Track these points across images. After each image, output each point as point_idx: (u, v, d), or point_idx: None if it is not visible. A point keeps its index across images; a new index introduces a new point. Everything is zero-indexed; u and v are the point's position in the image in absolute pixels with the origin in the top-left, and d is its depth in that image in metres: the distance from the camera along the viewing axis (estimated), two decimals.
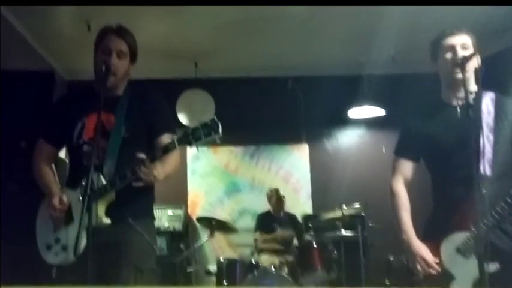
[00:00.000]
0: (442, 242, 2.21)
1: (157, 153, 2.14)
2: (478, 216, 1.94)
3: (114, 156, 2.26)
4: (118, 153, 2.27)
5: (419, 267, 2.21)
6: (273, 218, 5.25)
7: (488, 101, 2.27)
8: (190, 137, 2.04)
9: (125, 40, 2.36)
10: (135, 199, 2.26)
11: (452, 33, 2.30)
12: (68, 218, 2.25)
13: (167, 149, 2.12)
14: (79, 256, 2.03)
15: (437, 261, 2.20)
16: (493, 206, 2.06)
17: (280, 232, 5.02)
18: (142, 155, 2.10)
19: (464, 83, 2.12)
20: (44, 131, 2.47)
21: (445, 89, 2.37)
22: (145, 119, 2.38)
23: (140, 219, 2.32)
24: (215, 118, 2.04)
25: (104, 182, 2.20)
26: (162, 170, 2.20)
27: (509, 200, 2.06)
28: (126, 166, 2.16)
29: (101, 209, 2.19)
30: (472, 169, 1.97)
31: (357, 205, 4.65)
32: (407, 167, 2.42)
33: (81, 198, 2.02)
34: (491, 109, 2.25)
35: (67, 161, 2.53)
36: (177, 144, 2.09)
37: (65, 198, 2.23)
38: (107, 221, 2.21)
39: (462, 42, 2.27)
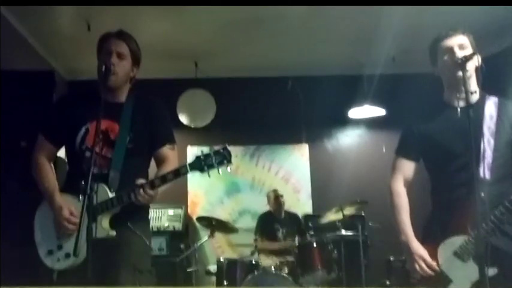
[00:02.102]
0: (440, 245, 2.20)
1: (169, 176, 2.17)
2: (477, 219, 1.93)
3: (118, 167, 2.28)
4: (123, 163, 2.29)
5: (417, 269, 2.21)
6: (274, 219, 5.24)
7: (491, 106, 2.26)
8: (203, 163, 2.11)
9: (125, 42, 2.37)
10: (133, 204, 2.25)
11: (448, 35, 2.29)
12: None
13: (179, 173, 2.17)
14: (80, 259, 2.05)
15: (435, 263, 2.19)
16: (492, 210, 2.05)
17: (282, 242, 5.00)
18: (142, 180, 2.16)
19: (464, 82, 2.11)
20: (45, 129, 2.44)
21: (446, 91, 2.36)
22: (148, 129, 2.40)
23: (138, 223, 2.35)
24: (227, 147, 2.13)
25: (109, 193, 2.21)
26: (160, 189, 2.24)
27: (508, 205, 2.06)
28: (130, 178, 2.19)
29: (105, 221, 2.21)
30: (472, 172, 1.96)
31: (357, 202, 4.65)
32: (407, 167, 2.40)
33: (84, 206, 2.01)
34: (494, 114, 2.24)
35: (66, 160, 2.51)
36: (189, 170, 2.14)
37: (74, 210, 2.22)
38: (112, 233, 2.22)
39: (459, 43, 2.26)
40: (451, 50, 2.25)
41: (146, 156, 2.46)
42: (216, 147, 2.14)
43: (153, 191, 2.17)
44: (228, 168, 2.12)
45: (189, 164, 2.14)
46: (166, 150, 2.41)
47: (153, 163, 2.49)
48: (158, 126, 2.44)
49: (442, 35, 2.31)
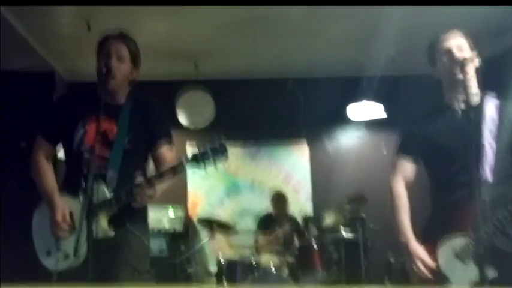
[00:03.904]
0: (440, 246, 2.19)
1: (166, 174, 2.16)
2: (478, 221, 1.93)
3: (116, 167, 2.27)
4: (120, 163, 2.28)
5: (416, 270, 2.20)
6: (274, 221, 5.24)
7: (491, 108, 2.25)
8: (200, 160, 2.12)
9: (125, 44, 2.37)
10: (132, 205, 2.26)
11: (445, 37, 2.29)
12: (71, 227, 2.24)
13: (175, 171, 2.16)
14: (79, 260, 2.05)
15: (435, 264, 2.19)
16: (493, 213, 2.04)
17: (281, 230, 5.00)
18: (140, 178, 2.14)
19: (464, 84, 2.11)
20: (43, 129, 2.44)
21: (447, 92, 2.36)
22: (146, 129, 2.39)
23: (137, 223, 2.34)
24: (223, 141, 2.14)
25: (107, 193, 2.20)
26: (159, 188, 2.22)
27: (511, 209, 2.05)
28: (128, 178, 2.18)
29: (103, 221, 2.20)
30: (473, 174, 1.96)
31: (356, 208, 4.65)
32: (408, 168, 2.40)
33: (83, 207, 2.01)
34: (495, 116, 2.23)
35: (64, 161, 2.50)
36: (185, 167, 2.14)
37: (67, 214, 2.21)
38: (111, 233, 2.21)
39: (457, 44, 2.26)
40: (449, 51, 2.25)
41: (144, 157, 2.45)
42: (213, 144, 2.13)
43: (151, 190, 2.15)
44: (225, 164, 2.13)
45: (186, 161, 2.14)
46: (165, 151, 2.41)
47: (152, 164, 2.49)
48: (156, 126, 2.43)
49: (440, 37, 2.31)
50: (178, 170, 2.16)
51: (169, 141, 2.45)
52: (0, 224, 3.36)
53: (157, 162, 2.41)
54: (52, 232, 2.23)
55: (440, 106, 2.37)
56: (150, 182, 2.15)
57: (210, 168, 2.13)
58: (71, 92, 5.02)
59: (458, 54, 2.22)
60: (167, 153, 2.41)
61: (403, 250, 2.29)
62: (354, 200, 4.67)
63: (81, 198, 2.17)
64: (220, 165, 2.14)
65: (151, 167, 2.47)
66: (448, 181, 2.25)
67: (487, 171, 2.14)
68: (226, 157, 2.12)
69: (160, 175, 2.16)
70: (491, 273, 1.96)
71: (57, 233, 2.20)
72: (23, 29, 4.66)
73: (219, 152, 2.12)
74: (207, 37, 5.10)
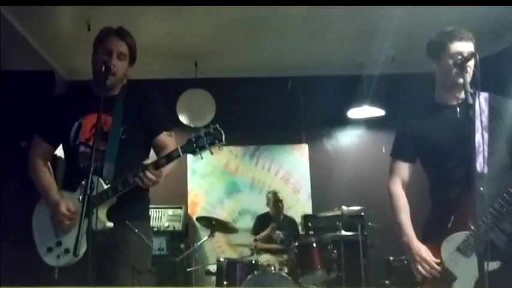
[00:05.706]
0: (442, 242, 2.21)
1: (161, 161, 2.15)
2: (477, 214, 1.94)
3: (113, 159, 2.26)
4: (117, 155, 2.27)
5: (420, 269, 2.22)
6: (271, 221, 5.24)
7: (481, 100, 2.27)
8: (194, 145, 2.10)
9: (126, 42, 2.36)
10: (131, 201, 2.26)
11: (460, 39, 2.26)
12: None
13: (171, 157, 2.15)
14: (79, 258, 2.04)
15: (438, 261, 2.20)
16: (491, 204, 2.06)
17: (279, 244, 5.00)
18: (146, 161, 2.14)
19: (464, 84, 2.11)
20: (40, 128, 2.44)
21: (441, 90, 2.37)
22: (142, 118, 2.38)
23: (137, 221, 2.33)
24: (218, 126, 2.10)
25: (104, 186, 2.19)
26: (164, 172, 2.21)
27: (506, 197, 2.08)
28: (126, 170, 2.17)
29: (102, 213, 2.19)
30: (469, 168, 1.97)
31: (356, 208, 4.67)
32: (404, 168, 2.41)
33: (81, 201, 2.00)
34: (485, 108, 2.26)
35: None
36: (181, 153, 2.13)
37: (71, 206, 2.21)
38: (109, 224, 2.21)
39: (468, 50, 2.23)
40: (459, 55, 2.21)
41: (143, 146, 2.42)
42: (207, 128, 2.12)
43: (149, 176, 2.13)
44: (220, 148, 2.11)
45: (181, 147, 2.13)
46: (164, 137, 2.38)
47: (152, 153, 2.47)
48: (153, 114, 2.41)
49: (455, 37, 2.27)
50: (173, 156, 2.13)
51: (168, 128, 2.43)
52: (0, 223, 3.36)
53: (159, 149, 2.37)
54: (56, 226, 2.23)
55: (433, 103, 2.39)
56: (147, 169, 2.13)
57: (205, 153, 2.10)
58: (66, 90, 5.02)
59: (466, 58, 2.19)
60: (167, 139, 2.38)
61: (406, 251, 2.29)
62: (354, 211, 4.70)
63: (79, 193, 2.16)
64: (215, 149, 2.10)
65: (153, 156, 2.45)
66: (446, 177, 2.27)
67: (483, 164, 2.15)
68: (221, 141, 2.09)
69: (155, 164, 2.14)
70: (493, 264, 1.97)
71: (64, 224, 2.20)
72: (23, 29, 4.67)
73: (213, 136, 2.09)
74: (207, 37, 5.10)
